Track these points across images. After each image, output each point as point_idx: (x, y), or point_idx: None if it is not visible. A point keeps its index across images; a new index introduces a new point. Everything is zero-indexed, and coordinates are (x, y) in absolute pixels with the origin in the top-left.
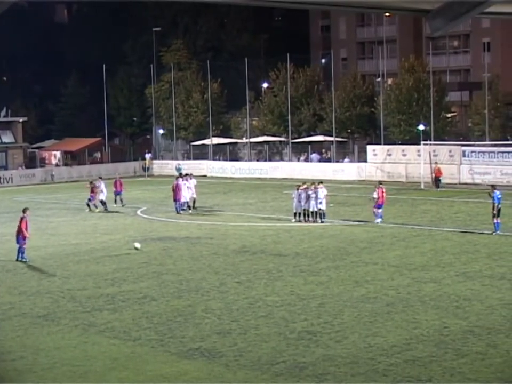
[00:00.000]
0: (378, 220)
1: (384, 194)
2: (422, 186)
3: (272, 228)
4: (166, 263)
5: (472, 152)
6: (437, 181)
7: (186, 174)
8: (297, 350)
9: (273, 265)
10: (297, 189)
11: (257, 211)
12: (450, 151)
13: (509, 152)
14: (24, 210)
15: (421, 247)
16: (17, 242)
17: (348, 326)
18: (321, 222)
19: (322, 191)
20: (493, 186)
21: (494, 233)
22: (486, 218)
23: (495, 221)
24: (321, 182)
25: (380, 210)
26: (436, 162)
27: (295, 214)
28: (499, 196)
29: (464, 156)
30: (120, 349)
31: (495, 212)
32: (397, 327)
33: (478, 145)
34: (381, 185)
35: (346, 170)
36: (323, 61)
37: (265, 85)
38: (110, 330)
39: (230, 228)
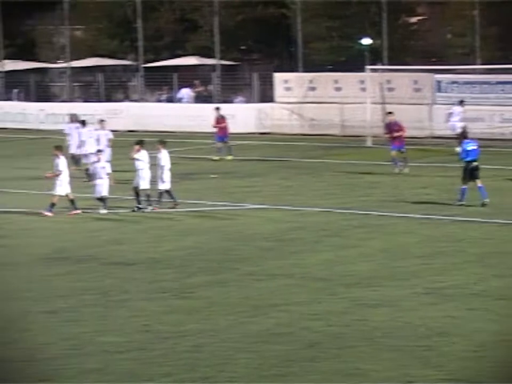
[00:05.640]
0: None
1: None
2: (369, 143)
3: (109, 218)
4: None
5: (452, 83)
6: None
7: None
8: None
9: (112, 282)
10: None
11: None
12: (415, 82)
13: None
14: None
15: (366, 245)
16: None
17: None
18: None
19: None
20: (463, 134)
21: (457, 202)
22: (473, 195)
23: (463, 186)
24: (163, 142)
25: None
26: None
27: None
28: (469, 148)
29: (439, 89)
30: None
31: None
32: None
33: (462, 71)
34: None
35: (238, 117)
36: None
37: None
38: None
39: (33, 221)
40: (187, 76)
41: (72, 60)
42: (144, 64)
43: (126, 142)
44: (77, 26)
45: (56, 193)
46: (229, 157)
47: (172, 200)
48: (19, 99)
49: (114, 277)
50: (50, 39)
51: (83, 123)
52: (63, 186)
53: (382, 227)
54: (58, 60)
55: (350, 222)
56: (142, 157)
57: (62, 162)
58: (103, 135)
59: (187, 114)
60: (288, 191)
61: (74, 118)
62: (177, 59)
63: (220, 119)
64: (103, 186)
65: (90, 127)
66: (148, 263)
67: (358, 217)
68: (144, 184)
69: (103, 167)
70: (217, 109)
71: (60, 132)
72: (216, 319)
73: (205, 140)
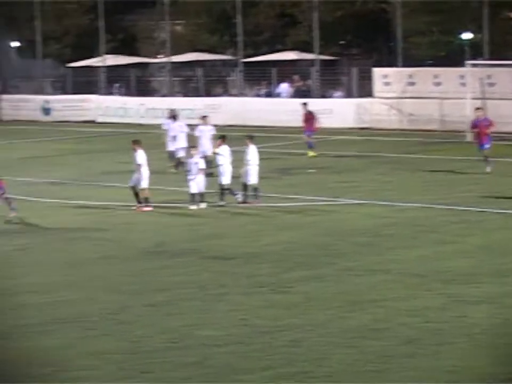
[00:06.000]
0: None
1: None
2: (469, 139)
3: (207, 213)
4: (24, 274)
5: None
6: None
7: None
8: None
9: (210, 276)
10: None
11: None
12: None
13: None
14: None
15: (464, 242)
16: None
17: (340, 380)
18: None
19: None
20: None
21: None
22: None
23: None
24: (251, 137)
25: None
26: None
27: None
28: None
29: None
30: None
31: None
32: (426, 380)
33: None
34: None
35: (337, 112)
36: None
37: None
38: None
39: (133, 215)
40: (286, 71)
41: (172, 54)
42: (244, 59)
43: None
44: (177, 22)
45: (145, 186)
46: (311, 153)
47: (255, 195)
48: (120, 94)
49: (212, 271)
50: (150, 34)
51: (174, 118)
52: (145, 180)
53: (481, 223)
54: (159, 54)
55: (448, 218)
56: (223, 152)
57: (140, 156)
58: (206, 131)
59: (285, 109)
60: (386, 186)
61: (172, 113)
62: (276, 54)
63: (308, 115)
64: (196, 182)
65: (182, 121)
66: (245, 257)
67: (456, 213)
68: (224, 179)
69: (196, 163)
70: (305, 104)
71: (159, 127)
72: (314, 314)
73: (303, 134)
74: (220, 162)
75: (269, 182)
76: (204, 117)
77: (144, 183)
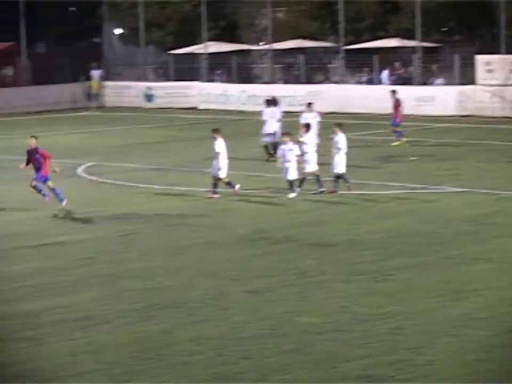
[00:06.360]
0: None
1: None
2: None
3: (307, 200)
4: (126, 259)
5: None
6: None
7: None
8: None
9: (311, 263)
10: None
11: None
12: None
13: None
14: None
15: None
16: None
17: (441, 368)
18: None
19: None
20: None
21: None
22: None
23: None
24: (340, 125)
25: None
26: None
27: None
28: None
29: None
30: None
31: None
32: None
33: None
34: None
35: (439, 99)
36: None
37: None
38: (32, 375)
39: (232, 201)
40: (387, 58)
41: (273, 41)
42: (345, 46)
43: (326, 124)
44: (279, 9)
45: (221, 177)
46: (397, 143)
47: (347, 183)
48: (221, 80)
49: (312, 258)
50: (252, 21)
51: (268, 103)
52: (223, 170)
53: None
54: (260, 41)
55: None
56: (308, 140)
57: (219, 145)
58: (311, 118)
59: (387, 96)
60: (489, 174)
61: (272, 101)
62: (377, 41)
63: (396, 102)
64: (291, 169)
65: (274, 108)
66: (345, 244)
67: None
68: (310, 167)
69: (291, 149)
70: (393, 92)
71: (260, 114)
72: (415, 302)
73: (405, 122)
74: (305, 150)
75: (370, 169)
76: (309, 104)
77: (222, 173)
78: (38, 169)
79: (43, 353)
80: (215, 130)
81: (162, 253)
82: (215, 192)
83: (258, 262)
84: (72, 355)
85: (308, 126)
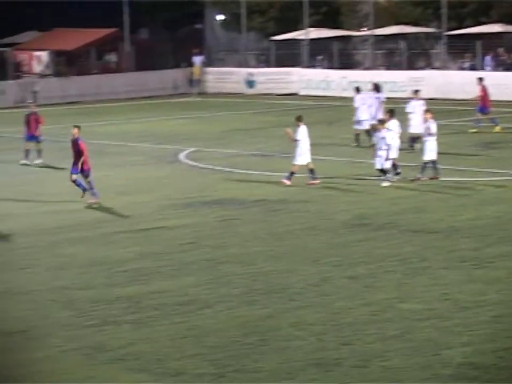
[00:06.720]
0: None
1: None
2: None
3: (407, 187)
4: (227, 245)
5: None
6: None
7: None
8: None
9: (412, 249)
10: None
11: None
12: None
13: None
14: None
15: None
16: None
17: None
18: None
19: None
20: None
21: None
22: None
23: None
24: (391, 111)
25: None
26: None
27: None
28: None
29: None
30: None
31: None
32: None
33: None
34: None
35: None
36: None
37: None
38: (133, 359)
39: (331, 187)
40: (491, 44)
41: (375, 27)
42: (447, 31)
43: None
44: None
45: (296, 163)
46: (497, 128)
47: (435, 170)
48: (322, 67)
49: (414, 245)
50: (353, 7)
51: (357, 90)
52: (303, 156)
53: None
54: (362, 27)
55: None
56: (392, 127)
57: (301, 131)
58: (417, 105)
59: (490, 82)
60: None
61: (374, 87)
62: (480, 26)
63: (483, 90)
64: (383, 158)
65: (365, 94)
66: (447, 231)
67: None
68: (392, 153)
69: (384, 138)
70: (480, 79)
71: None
72: None
73: (508, 108)
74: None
75: (472, 156)
76: (415, 91)
77: (299, 160)
78: (75, 162)
79: (144, 337)
80: (298, 118)
81: (263, 239)
82: (315, 178)
83: (359, 248)
84: (173, 339)
85: (391, 112)
